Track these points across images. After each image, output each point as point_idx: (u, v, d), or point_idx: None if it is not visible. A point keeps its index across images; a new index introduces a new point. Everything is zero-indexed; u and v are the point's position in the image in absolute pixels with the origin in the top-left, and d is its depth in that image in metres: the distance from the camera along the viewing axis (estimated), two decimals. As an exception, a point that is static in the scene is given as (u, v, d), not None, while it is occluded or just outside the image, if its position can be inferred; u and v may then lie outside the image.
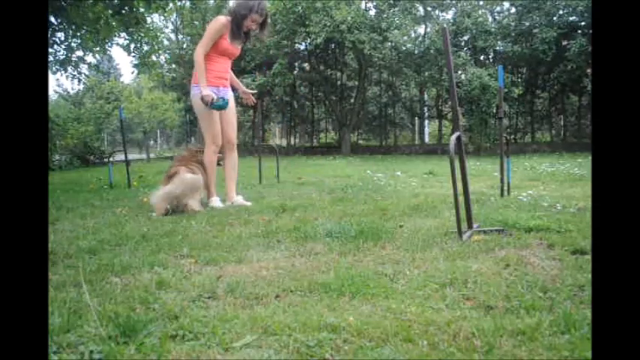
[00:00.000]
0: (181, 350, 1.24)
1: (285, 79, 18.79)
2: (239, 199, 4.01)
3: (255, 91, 4.95)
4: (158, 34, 10.65)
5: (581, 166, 7.96)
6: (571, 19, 16.93)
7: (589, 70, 15.87)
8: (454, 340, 1.27)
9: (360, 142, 23.34)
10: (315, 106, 23.34)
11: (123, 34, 9.36)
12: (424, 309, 1.49)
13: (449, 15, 19.85)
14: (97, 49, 9.90)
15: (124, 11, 7.92)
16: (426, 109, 22.56)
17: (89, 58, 10.73)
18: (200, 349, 1.24)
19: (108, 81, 27.53)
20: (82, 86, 19.13)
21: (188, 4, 14.40)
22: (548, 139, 20.28)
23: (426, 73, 17.90)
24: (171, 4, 9.19)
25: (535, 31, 16.92)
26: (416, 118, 23.52)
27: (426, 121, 23.26)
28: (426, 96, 22.06)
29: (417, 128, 24.25)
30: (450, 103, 12.74)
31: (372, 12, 18.76)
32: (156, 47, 10.25)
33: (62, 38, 9.70)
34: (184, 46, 20.94)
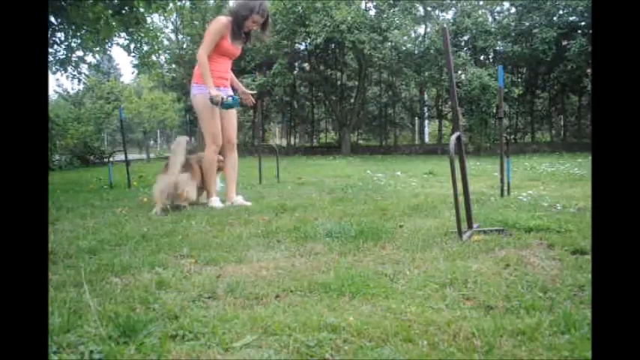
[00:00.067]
0: (181, 350, 1.24)
1: (285, 79, 18.80)
2: (239, 199, 4.01)
3: (255, 92, 4.96)
4: (158, 34, 10.65)
5: (581, 166, 7.96)
6: (571, 19, 16.93)
7: (589, 70, 15.88)
8: (454, 340, 1.27)
9: (360, 142, 23.35)
10: (315, 106, 23.35)
11: (123, 34, 9.35)
12: (424, 309, 1.49)
13: (449, 15, 19.87)
14: (97, 49, 9.89)
15: (124, 11, 7.91)
16: (426, 109, 22.57)
17: (89, 58, 10.72)
18: (200, 349, 1.25)
19: (108, 81, 27.52)
20: (82, 86, 19.11)
21: (188, 4, 14.42)
22: (548, 139, 20.29)
23: (426, 73, 17.91)
24: (171, 4, 9.18)
25: (535, 31, 16.93)
26: (416, 118, 23.54)
27: (426, 121, 23.27)
28: (426, 96, 22.07)
29: (417, 128, 24.27)
30: (450, 103, 12.73)
31: (372, 12, 18.77)
32: (156, 47, 10.24)
33: (62, 38, 9.69)
34: (184, 46, 20.94)
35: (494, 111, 15.02)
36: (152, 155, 23.14)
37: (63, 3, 7.66)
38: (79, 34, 9.17)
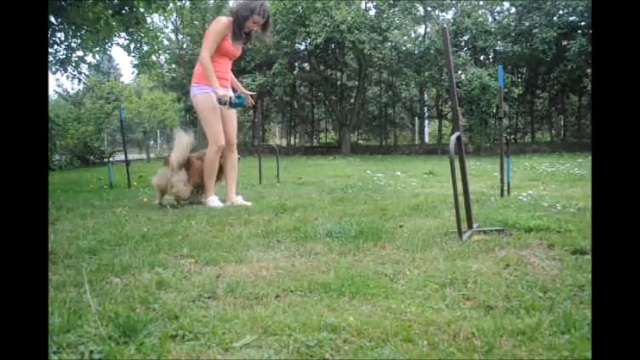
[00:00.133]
0: (181, 350, 1.24)
1: (285, 79, 18.80)
2: (239, 199, 4.01)
3: (254, 92, 4.96)
4: (158, 34, 10.65)
5: (581, 166, 7.96)
6: (571, 19, 16.94)
7: (589, 70, 15.88)
8: (454, 340, 1.27)
9: (360, 142, 23.36)
10: (315, 106, 23.36)
11: (123, 34, 9.35)
12: (424, 309, 1.49)
13: (449, 15, 19.89)
14: (97, 49, 9.90)
15: (124, 11, 7.91)
16: (426, 109, 22.58)
17: (89, 58, 10.73)
18: (200, 349, 1.24)
19: (108, 81, 27.50)
20: (82, 86, 19.11)
21: (188, 4, 14.43)
22: (548, 139, 20.30)
23: (426, 73, 17.92)
24: (171, 4, 9.18)
25: (535, 31, 16.94)
26: (416, 118, 23.54)
27: (426, 121, 23.28)
28: (426, 96, 22.08)
29: (417, 128, 24.27)
30: (450, 103, 12.73)
31: (372, 12, 18.78)
32: (156, 47, 10.24)
33: (62, 38, 9.70)
34: (184, 46, 20.95)
35: (494, 111, 15.02)
36: (152, 155, 23.13)
37: (63, 3, 7.66)
38: (79, 34, 9.18)
